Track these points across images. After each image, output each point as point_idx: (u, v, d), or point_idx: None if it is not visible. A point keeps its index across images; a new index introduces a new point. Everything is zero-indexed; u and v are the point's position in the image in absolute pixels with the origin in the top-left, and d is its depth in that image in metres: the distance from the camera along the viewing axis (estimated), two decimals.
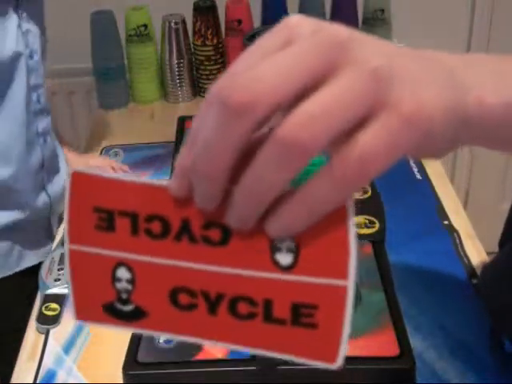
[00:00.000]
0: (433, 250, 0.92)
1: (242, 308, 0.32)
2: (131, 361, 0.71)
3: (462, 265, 0.91)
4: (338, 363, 0.33)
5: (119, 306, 0.35)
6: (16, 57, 0.92)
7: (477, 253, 0.93)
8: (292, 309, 0.32)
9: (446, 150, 0.34)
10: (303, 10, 1.40)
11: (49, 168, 1.04)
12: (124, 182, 0.33)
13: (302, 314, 0.32)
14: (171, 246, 0.33)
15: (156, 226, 0.33)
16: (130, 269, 0.34)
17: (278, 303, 0.32)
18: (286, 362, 0.70)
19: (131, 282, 0.34)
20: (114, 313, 0.35)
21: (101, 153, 1.24)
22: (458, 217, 1.00)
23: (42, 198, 1.04)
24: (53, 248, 0.99)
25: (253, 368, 0.70)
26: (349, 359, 0.75)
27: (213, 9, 1.38)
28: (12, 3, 0.92)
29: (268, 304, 0.32)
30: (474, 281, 0.87)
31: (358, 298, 0.78)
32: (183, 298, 0.33)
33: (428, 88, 0.30)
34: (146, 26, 1.38)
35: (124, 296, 0.34)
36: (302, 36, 0.29)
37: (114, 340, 0.81)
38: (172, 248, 0.33)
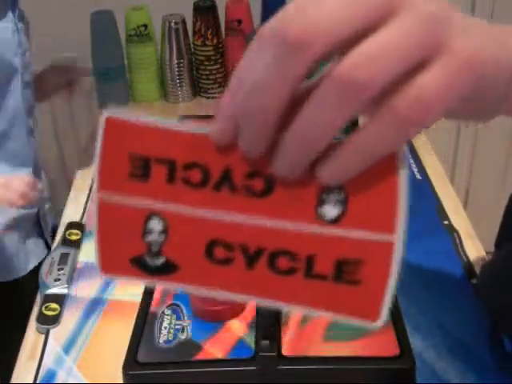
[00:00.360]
0: (433, 250, 0.92)
1: (283, 263, 0.31)
2: (131, 361, 0.71)
3: (461, 265, 0.91)
4: (380, 323, 0.31)
5: (149, 259, 0.33)
6: (14, 56, 0.92)
7: (477, 253, 0.93)
8: (335, 264, 0.31)
9: (494, 109, 0.34)
10: None
11: (35, 165, 1.05)
12: (163, 128, 0.31)
13: (346, 270, 0.31)
14: (210, 195, 0.31)
15: (195, 175, 0.31)
16: (162, 220, 0.32)
17: (321, 258, 0.31)
18: (285, 362, 0.70)
19: (163, 233, 0.33)
20: (143, 266, 0.33)
21: None
22: (457, 217, 1.00)
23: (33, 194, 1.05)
24: (53, 248, 0.99)
25: (253, 368, 0.70)
26: (349, 359, 0.75)
27: (213, 9, 1.38)
28: (9, 3, 0.92)
29: (310, 259, 0.31)
30: (474, 281, 0.87)
31: None
32: (219, 252, 0.32)
33: (479, 36, 0.30)
34: (145, 26, 1.38)
35: (155, 249, 0.33)
36: None
37: (114, 340, 0.81)
38: (211, 198, 0.31)
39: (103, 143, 0.32)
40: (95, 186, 0.33)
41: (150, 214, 0.32)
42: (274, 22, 0.28)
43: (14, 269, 0.99)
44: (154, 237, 0.33)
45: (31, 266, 1.01)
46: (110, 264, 0.34)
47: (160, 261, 0.33)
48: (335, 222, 0.30)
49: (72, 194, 1.17)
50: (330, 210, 0.30)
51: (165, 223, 0.32)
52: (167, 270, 0.33)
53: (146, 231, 0.33)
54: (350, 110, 0.27)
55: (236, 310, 0.77)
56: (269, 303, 0.32)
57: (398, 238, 0.30)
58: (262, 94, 0.28)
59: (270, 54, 0.27)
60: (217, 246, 0.32)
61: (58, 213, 1.22)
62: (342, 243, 0.30)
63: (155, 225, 0.32)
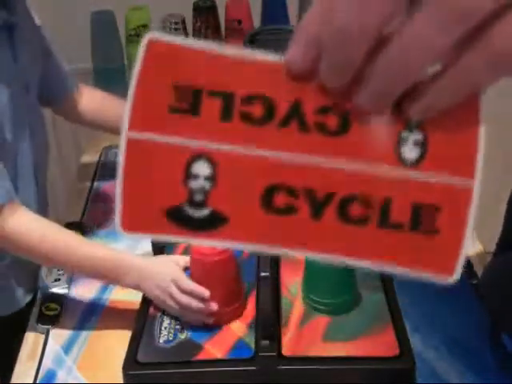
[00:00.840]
0: None
1: (355, 210, 0.28)
2: (131, 361, 0.71)
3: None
4: (455, 277, 0.29)
5: (190, 209, 0.28)
6: (12, 98, 0.85)
7: (477, 253, 0.93)
8: (412, 211, 0.28)
9: None
10: (303, 10, 1.40)
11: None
12: (220, 55, 0.27)
13: (423, 218, 0.28)
14: (274, 133, 0.27)
15: (257, 109, 0.27)
16: (211, 163, 0.27)
17: (397, 204, 0.28)
18: (285, 362, 0.70)
19: (211, 179, 0.27)
20: (181, 219, 0.28)
21: (101, 153, 1.24)
22: None
23: None
24: None
25: (253, 368, 0.70)
26: (349, 359, 0.75)
27: (213, 9, 1.38)
28: (4, 36, 0.85)
29: (386, 205, 0.28)
30: (474, 281, 0.87)
31: (358, 298, 0.78)
32: (280, 199, 0.28)
33: None
34: (145, 26, 1.38)
35: (198, 197, 0.28)
36: None
37: (114, 340, 0.81)
38: (274, 136, 0.27)
39: (141, 71, 0.27)
40: (125, 124, 0.27)
41: (196, 156, 0.27)
42: None
43: (14, 303, 0.97)
44: (199, 183, 0.28)
45: (28, 298, 0.98)
46: (134, 219, 0.28)
47: (204, 212, 0.28)
48: (414, 164, 0.28)
49: (71, 193, 1.17)
50: (410, 152, 0.28)
51: (214, 167, 0.27)
52: (213, 223, 0.28)
53: (188, 176, 0.27)
54: (456, 35, 0.25)
55: (235, 313, 0.77)
56: (335, 259, 0.28)
57: (476, 185, 0.28)
58: (362, 9, 0.25)
59: None
60: (277, 193, 0.28)
61: (58, 213, 1.22)
62: (420, 187, 0.28)
63: (201, 168, 0.27)
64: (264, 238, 0.28)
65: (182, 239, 0.28)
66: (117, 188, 0.28)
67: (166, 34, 0.27)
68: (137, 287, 0.79)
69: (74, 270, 0.87)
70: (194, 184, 0.28)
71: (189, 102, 0.27)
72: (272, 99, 0.27)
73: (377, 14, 0.25)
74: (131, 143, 0.27)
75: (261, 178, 0.28)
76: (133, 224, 0.28)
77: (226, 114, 0.27)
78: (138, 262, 0.80)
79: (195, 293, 0.76)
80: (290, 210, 0.28)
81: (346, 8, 0.25)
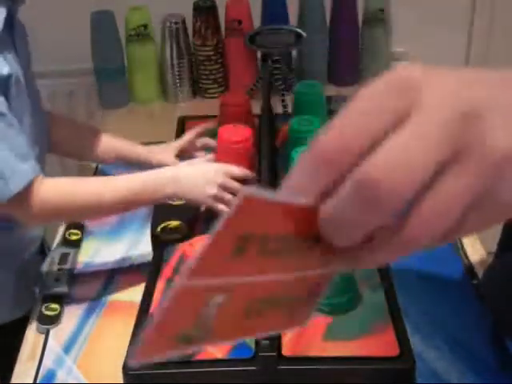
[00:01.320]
0: (433, 251, 0.92)
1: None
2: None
3: (462, 265, 0.91)
4: (307, 323, 0.34)
5: (193, 331, 0.29)
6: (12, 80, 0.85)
7: (477, 253, 0.93)
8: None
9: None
10: (303, 10, 1.40)
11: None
12: (285, 205, 0.28)
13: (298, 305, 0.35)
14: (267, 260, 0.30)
15: (278, 246, 0.29)
16: (226, 293, 0.29)
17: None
18: (285, 362, 0.69)
19: (219, 304, 0.29)
20: (183, 339, 0.29)
21: None
22: None
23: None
24: (53, 248, 0.99)
25: (253, 368, 0.70)
26: (349, 359, 0.75)
27: (213, 9, 1.38)
28: (9, 41, 0.86)
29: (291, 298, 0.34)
30: (474, 281, 0.87)
31: (358, 298, 0.78)
32: (264, 307, 0.31)
33: None
34: (145, 26, 1.38)
35: (205, 321, 0.29)
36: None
37: (114, 340, 0.81)
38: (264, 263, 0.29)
39: (226, 225, 0.27)
40: (184, 272, 0.27)
41: (221, 291, 0.29)
42: (366, 170, 0.26)
43: (24, 305, 0.97)
44: (210, 310, 0.29)
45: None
46: (149, 350, 0.29)
47: (202, 330, 0.30)
48: None
49: None
50: None
51: (227, 295, 0.29)
52: (204, 334, 0.30)
53: (206, 305, 0.29)
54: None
55: None
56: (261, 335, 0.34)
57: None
58: (344, 230, 0.29)
59: (354, 197, 0.27)
60: (264, 303, 0.31)
61: None
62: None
63: (218, 298, 0.29)
64: (240, 334, 0.32)
65: (180, 354, 0.30)
66: (149, 326, 0.28)
67: (257, 190, 0.27)
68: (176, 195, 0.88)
69: (111, 203, 0.86)
70: (206, 310, 0.29)
71: (240, 247, 0.28)
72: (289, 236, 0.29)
73: (356, 236, 0.28)
74: (183, 290, 0.27)
75: (254, 296, 0.30)
76: (144, 355, 0.29)
77: (261, 253, 0.28)
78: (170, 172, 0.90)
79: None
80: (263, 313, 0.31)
81: (347, 202, 0.27)
